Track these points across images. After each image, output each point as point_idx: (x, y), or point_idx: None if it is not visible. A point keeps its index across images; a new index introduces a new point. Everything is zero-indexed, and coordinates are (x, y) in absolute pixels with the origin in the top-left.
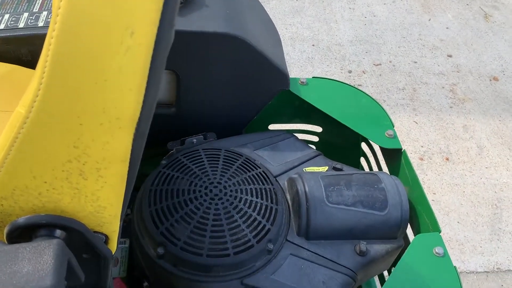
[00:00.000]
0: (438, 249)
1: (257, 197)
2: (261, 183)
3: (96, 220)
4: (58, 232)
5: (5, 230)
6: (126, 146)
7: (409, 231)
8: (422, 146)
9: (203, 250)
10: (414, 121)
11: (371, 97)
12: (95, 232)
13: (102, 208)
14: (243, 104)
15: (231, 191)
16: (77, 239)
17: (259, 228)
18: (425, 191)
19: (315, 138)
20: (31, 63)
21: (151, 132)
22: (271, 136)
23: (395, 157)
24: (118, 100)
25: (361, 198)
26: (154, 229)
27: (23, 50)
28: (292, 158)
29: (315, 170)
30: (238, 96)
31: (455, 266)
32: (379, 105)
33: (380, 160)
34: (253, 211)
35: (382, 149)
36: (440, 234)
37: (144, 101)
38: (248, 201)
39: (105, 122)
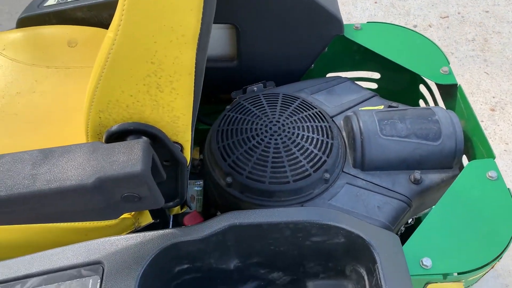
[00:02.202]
0: (491, 173)
1: (313, 133)
2: (317, 121)
3: (172, 129)
4: (144, 138)
5: (103, 138)
6: (191, 59)
7: (465, 162)
8: (493, 97)
9: (265, 178)
10: (485, 72)
11: (425, 37)
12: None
13: (176, 117)
14: (300, 52)
15: (289, 128)
16: (159, 146)
17: (315, 159)
18: (497, 141)
19: (374, 85)
20: None
21: (217, 83)
22: (326, 81)
23: (451, 93)
24: (182, 19)
25: (414, 130)
26: (223, 162)
27: (104, 14)
28: (347, 99)
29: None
30: (294, 44)
31: (508, 188)
32: (434, 43)
33: (438, 101)
34: (310, 145)
35: (438, 86)
36: (494, 160)
37: (202, 19)
38: (305, 137)
39: (173, 39)
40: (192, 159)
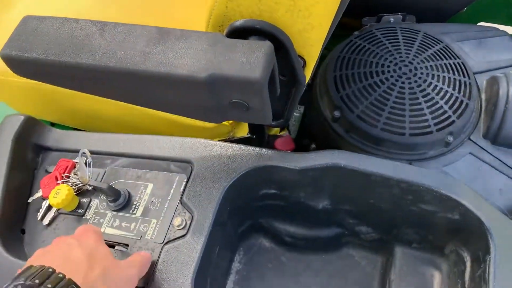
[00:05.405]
0: None
1: (448, 86)
2: (456, 74)
3: (301, 39)
4: (269, 43)
5: (225, 32)
6: None
7: None
8: None
9: (379, 123)
10: None
11: None
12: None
13: (310, 26)
14: None
15: (421, 73)
16: (281, 56)
17: (442, 117)
18: None
19: None
20: None
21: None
22: (479, 30)
23: None
24: None
25: None
26: (335, 93)
27: None
28: (499, 58)
29: None
30: None
31: None
32: None
33: None
34: (441, 99)
35: None
36: None
37: None
38: (438, 88)
39: None
40: None
